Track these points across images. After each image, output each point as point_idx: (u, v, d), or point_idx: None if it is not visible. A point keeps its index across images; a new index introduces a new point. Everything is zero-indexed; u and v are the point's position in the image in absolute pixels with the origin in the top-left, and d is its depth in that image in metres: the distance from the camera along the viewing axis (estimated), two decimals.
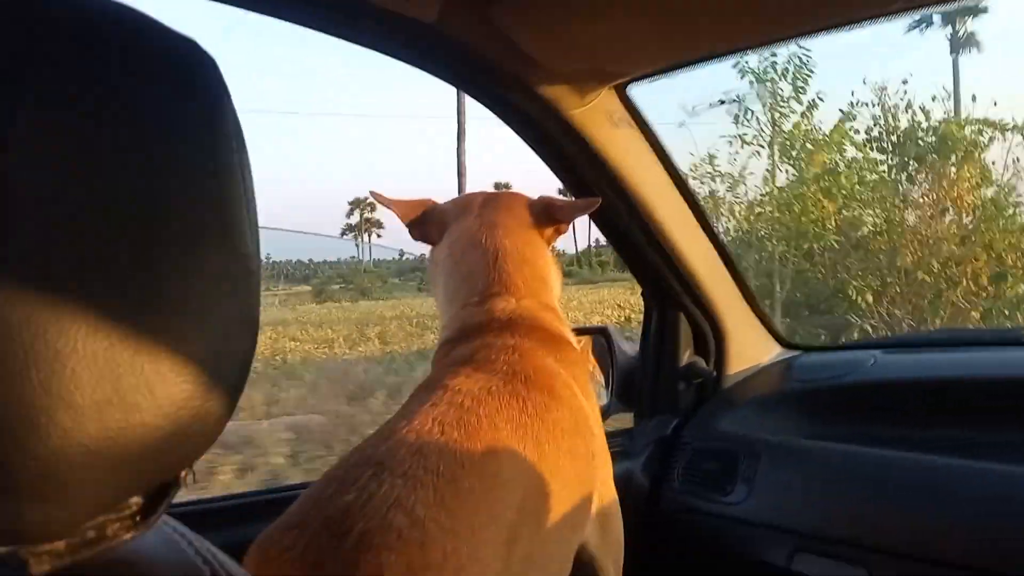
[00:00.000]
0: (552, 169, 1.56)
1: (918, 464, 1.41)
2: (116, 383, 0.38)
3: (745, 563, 1.57)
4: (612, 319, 9.95)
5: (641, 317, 2.00)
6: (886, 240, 6.78)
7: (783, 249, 7.01)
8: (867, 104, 7.04)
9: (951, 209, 6.84)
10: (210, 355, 0.41)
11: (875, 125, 7.02)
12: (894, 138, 7.02)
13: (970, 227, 6.69)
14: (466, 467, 0.90)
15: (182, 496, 0.53)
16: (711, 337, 1.88)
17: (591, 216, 1.70)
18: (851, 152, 7.10)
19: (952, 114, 7.28)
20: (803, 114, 6.89)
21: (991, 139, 7.10)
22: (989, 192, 6.83)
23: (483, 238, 1.32)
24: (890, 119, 6.99)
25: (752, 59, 6.50)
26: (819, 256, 6.90)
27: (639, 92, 1.47)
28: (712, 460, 1.72)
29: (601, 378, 1.91)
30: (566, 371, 1.20)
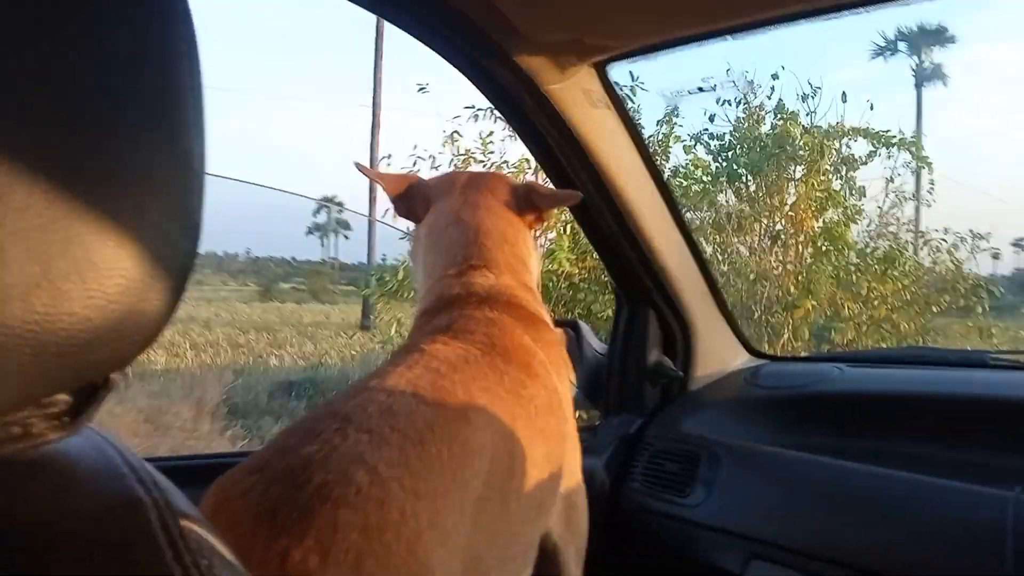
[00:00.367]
0: (526, 145, 1.53)
1: (876, 477, 1.37)
2: (46, 266, 0.36)
3: (700, 567, 1.53)
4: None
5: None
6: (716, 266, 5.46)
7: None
8: (730, 102, 5.88)
9: (783, 236, 5.56)
10: (147, 251, 0.39)
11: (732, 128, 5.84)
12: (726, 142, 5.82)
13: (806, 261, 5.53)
14: (435, 432, 0.87)
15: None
16: (680, 337, 1.85)
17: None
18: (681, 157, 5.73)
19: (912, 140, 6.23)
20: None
21: (871, 155, 5.91)
22: (835, 216, 5.66)
23: (466, 215, 1.32)
24: (749, 119, 5.80)
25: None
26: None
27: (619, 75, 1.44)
28: (673, 461, 1.68)
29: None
30: (543, 351, 1.19)
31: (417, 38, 1.33)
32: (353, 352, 10.46)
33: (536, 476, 1.03)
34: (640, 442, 1.78)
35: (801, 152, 5.52)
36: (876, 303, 5.49)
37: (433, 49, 1.35)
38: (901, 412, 1.56)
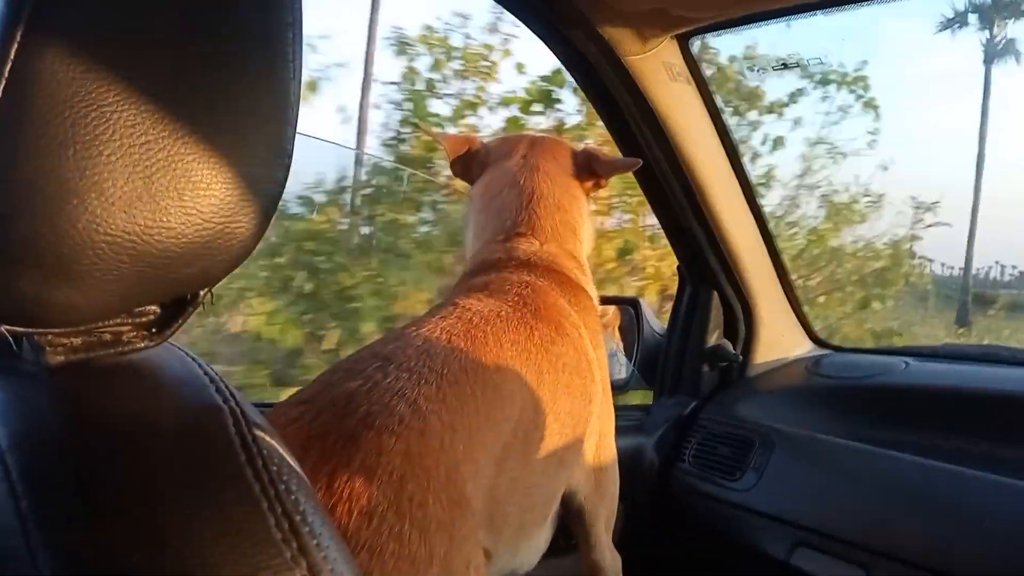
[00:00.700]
0: (600, 116, 1.52)
1: (936, 471, 1.34)
2: (148, 181, 0.39)
3: (745, 551, 1.52)
4: None
5: None
6: None
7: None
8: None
9: None
10: (241, 176, 0.42)
11: None
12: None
13: None
14: (469, 374, 0.91)
15: None
16: (742, 321, 1.82)
17: (636, 176, 1.65)
18: None
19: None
20: None
21: (795, 94, 4.37)
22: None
23: (521, 179, 1.32)
24: None
25: None
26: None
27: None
28: (725, 445, 1.66)
29: (622, 349, 1.87)
30: (577, 315, 1.20)
31: (507, 7, 1.33)
32: None
33: (559, 431, 1.06)
34: (693, 424, 1.77)
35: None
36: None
37: (512, 12, 1.35)
38: (970, 409, 1.51)
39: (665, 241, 1.87)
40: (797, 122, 4.53)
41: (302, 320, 3.19)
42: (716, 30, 1.35)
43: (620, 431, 1.32)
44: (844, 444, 1.50)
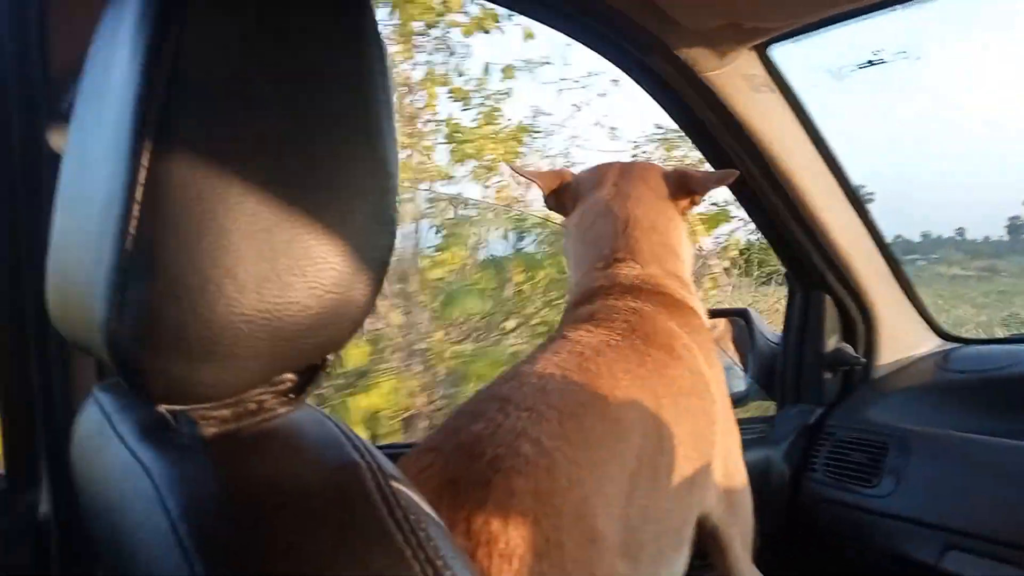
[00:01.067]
0: (688, 135, 1.53)
1: None
2: (273, 262, 0.43)
3: (891, 558, 1.46)
4: None
5: None
6: None
7: None
8: None
9: None
10: (353, 247, 0.46)
11: None
12: None
13: None
14: (587, 407, 0.92)
15: None
16: (860, 322, 1.76)
17: (731, 188, 1.65)
18: None
19: None
20: None
21: None
22: None
23: (615, 207, 1.34)
24: None
25: None
26: None
27: (782, 54, 1.42)
28: (858, 450, 1.61)
29: (737, 362, 1.84)
30: (688, 336, 1.19)
31: (574, 37, 1.38)
32: None
33: (684, 453, 1.05)
34: (821, 431, 1.72)
35: None
36: None
37: (589, 47, 1.39)
38: None
39: None
40: None
41: None
42: (793, 36, 1.34)
43: (746, 444, 1.30)
44: (985, 440, 1.43)
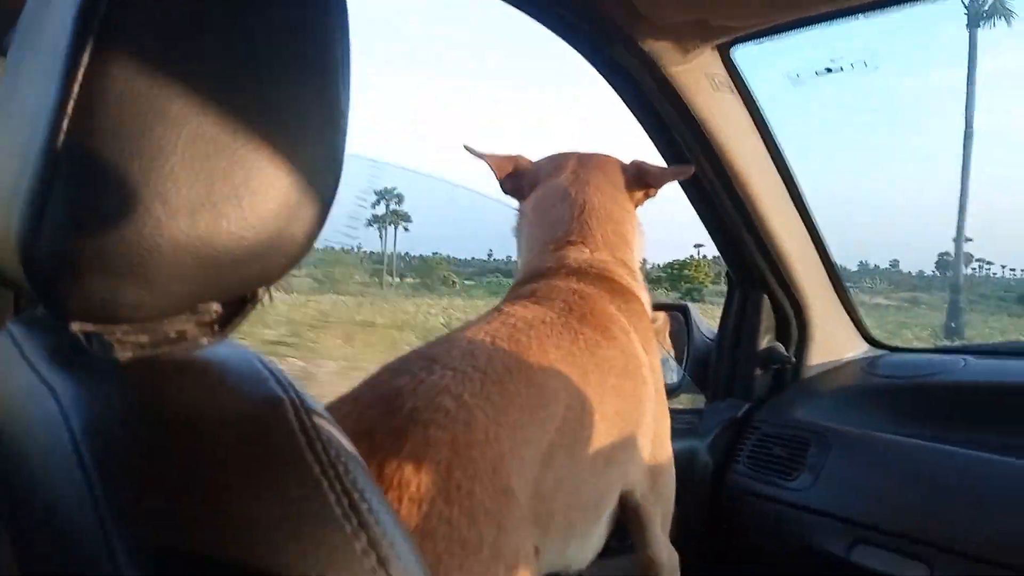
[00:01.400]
0: (645, 129, 1.55)
1: (997, 466, 1.34)
2: (209, 188, 0.42)
3: (803, 550, 1.53)
4: None
5: None
6: None
7: None
8: None
9: None
10: (295, 184, 0.45)
11: None
12: None
13: None
14: (512, 373, 0.94)
15: None
16: (795, 324, 1.83)
17: (682, 185, 1.68)
18: None
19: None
20: None
21: None
22: None
23: (572, 192, 1.36)
24: None
25: None
26: None
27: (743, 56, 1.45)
28: (781, 445, 1.68)
29: (672, 355, 1.89)
30: (627, 320, 1.22)
31: (541, 22, 1.39)
32: None
33: (606, 431, 1.07)
34: (747, 426, 1.78)
35: None
36: None
37: (556, 34, 1.40)
38: None
39: None
40: None
41: None
42: (758, 38, 1.38)
43: (673, 434, 1.34)
44: (903, 441, 1.50)
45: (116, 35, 0.40)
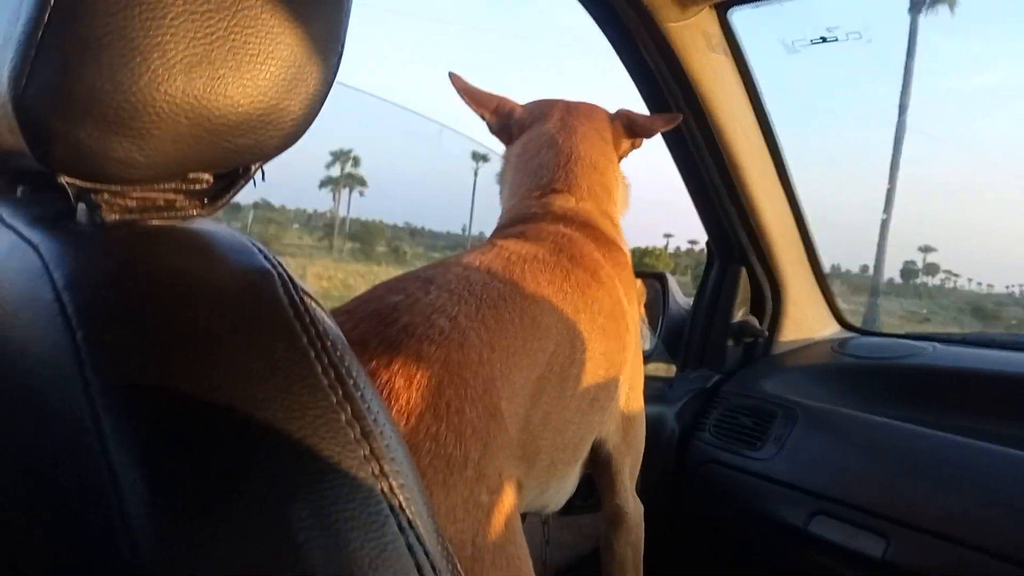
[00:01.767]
0: (634, 81, 1.53)
1: (956, 445, 1.35)
2: (208, 47, 0.41)
3: (764, 518, 1.54)
4: None
5: None
6: None
7: None
8: None
9: None
10: (296, 58, 0.44)
11: None
12: None
13: None
14: (507, 302, 0.93)
15: None
16: (770, 299, 1.84)
17: (668, 146, 1.67)
18: None
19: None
20: None
21: None
22: None
23: (559, 140, 1.34)
24: None
25: None
26: None
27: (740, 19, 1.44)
28: (747, 416, 1.68)
29: (647, 323, 1.89)
30: (611, 268, 1.21)
31: None
32: None
33: (593, 370, 1.07)
34: (715, 396, 1.79)
35: None
36: None
37: None
38: (998, 391, 1.51)
39: None
40: None
41: None
42: (756, 0, 1.37)
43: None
44: (866, 418, 1.51)
45: None
